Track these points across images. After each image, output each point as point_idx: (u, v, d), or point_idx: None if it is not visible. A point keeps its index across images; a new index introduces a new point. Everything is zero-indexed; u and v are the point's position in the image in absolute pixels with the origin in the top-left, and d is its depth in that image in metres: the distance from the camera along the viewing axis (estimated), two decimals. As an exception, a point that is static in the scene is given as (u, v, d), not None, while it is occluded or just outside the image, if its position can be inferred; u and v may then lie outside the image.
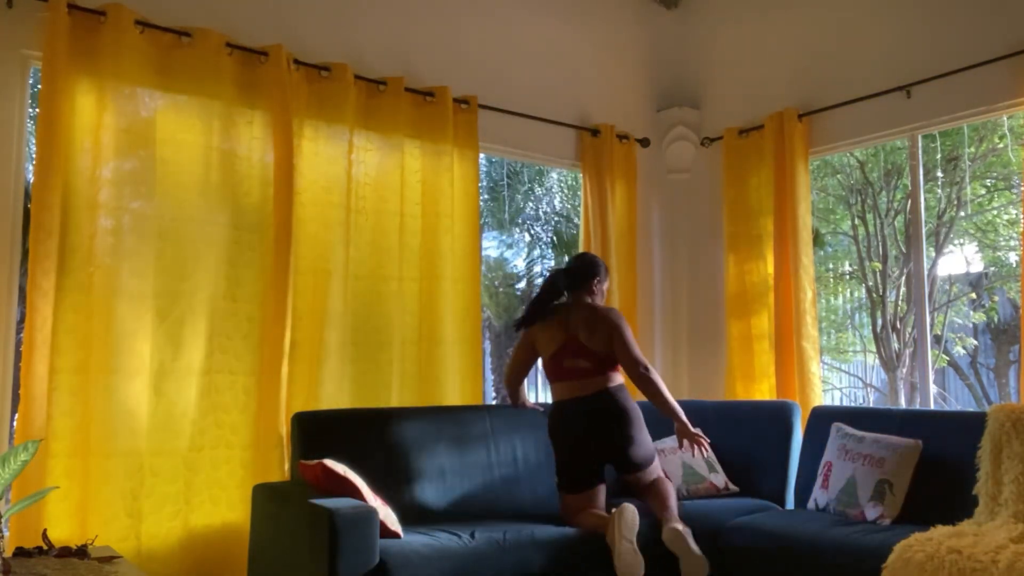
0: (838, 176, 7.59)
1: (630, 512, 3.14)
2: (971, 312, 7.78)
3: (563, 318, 3.54)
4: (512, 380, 3.85)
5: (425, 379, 3.99)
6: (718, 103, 5.09)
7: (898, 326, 7.40)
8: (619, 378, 3.53)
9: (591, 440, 3.45)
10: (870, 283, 7.65)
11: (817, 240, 7.63)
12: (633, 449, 3.43)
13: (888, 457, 3.39)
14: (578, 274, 3.63)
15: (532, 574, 3.06)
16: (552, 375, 3.58)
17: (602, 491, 3.47)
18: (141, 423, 3.24)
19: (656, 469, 3.52)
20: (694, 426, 3.51)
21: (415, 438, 3.55)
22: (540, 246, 11.09)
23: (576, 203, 10.14)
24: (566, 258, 10.78)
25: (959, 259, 7.63)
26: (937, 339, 7.36)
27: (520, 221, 10.83)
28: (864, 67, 4.33)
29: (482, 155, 4.40)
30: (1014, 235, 7.01)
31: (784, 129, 4.52)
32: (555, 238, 10.84)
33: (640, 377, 3.43)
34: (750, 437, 4.04)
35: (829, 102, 4.45)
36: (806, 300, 4.42)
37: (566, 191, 10.61)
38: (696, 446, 3.47)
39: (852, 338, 8.13)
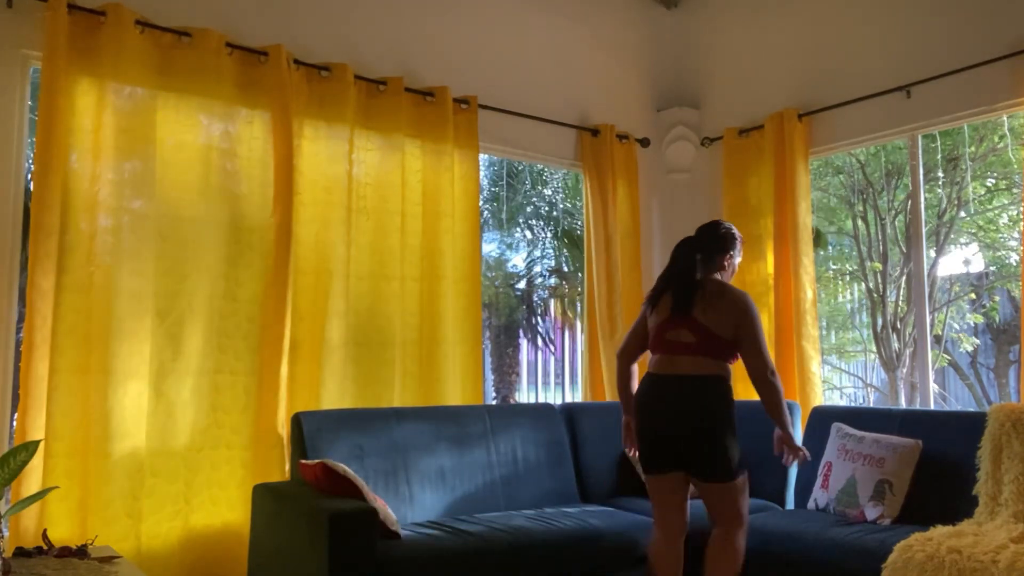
0: (839, 176, 7.58)
1: None
2: (968, 313, 7.77)
3: None
4: (623, 352, 3.32)
5: (426, 379, 3.99)
6: (718, 103, 5.09)
7: (898, 326, 7.40)
8: (728, 371, 3.09)
9: (668, 425, 3.04)
10: (870, 283, 7.65)
11: (819, 240, 7.62)
12: (711, 454, 3.00)
13: (888, 457, 3.39)
14: (707, 247, 3.22)
15: (531, 575, 3.06)
16: (652, 346, 3.18)
17: (680, 483, 3.11)
18: (141, 423, 3.24)
19: (734, 495, 3.04)
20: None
21: (415, 438, 3.56)
22: (540, 246, 11.10)
23: (578, 201, 10.14)
24: (566, 258, 10.84)
25: (960, 259, 7.63)
26: (937, 339, 7.35)
27: (520, 220, 10.83)
28: (864, 67, 4.33)
29: (482, 154, 4.41)
30: (1015, 235, 7.01)
31: (784, 129, 4.52)
32: (556, 236, 10.84)
33: (766, 381, 3.04)
34: (750, 437, 4.02)
35: (829, 102, 4.45)
36: (806, 300, 4.42)
37: (567, 191, 10.61)
38: (794, 456, 3.17)
39: (856, 336, 8.12)
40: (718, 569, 3.02)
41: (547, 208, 10.76)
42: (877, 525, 3.26)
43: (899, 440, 3.43)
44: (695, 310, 3.07)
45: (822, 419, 3.91)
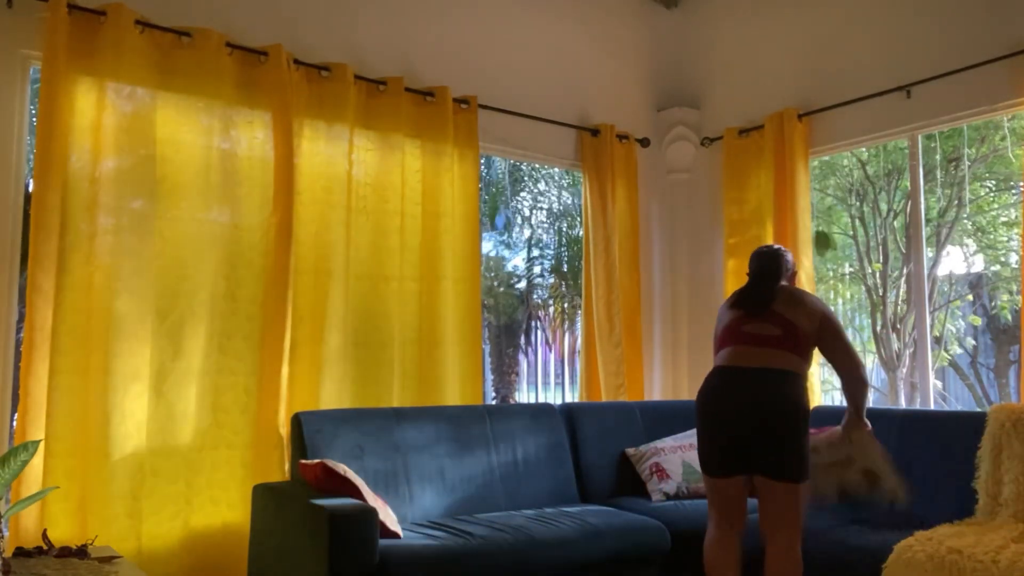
0: (850, 172, 7.57)
1: None
2: (966, 316, 7.76)
3: None
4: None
5: (425, 379, 3.99)
6: (718, 103, 5.09)
7: (898, 326, 7.40)
8: (805, 371, 2.95)
9: (744, 421, 2.83)
10: (870, 283, 7.65)
11: (828, 242, 7.61)
12: (788, 450, 2.80)
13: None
14: (781, 262, 3.17)
15: (531, 575, 3.06)
16: (724, 341, 3.05)
17: (745, 484, 2.92)
18: (141, 423, 3.24)
19: (799, 498, 2.83)
20: None
21: (415, 438, 3.56)
22: (539, 247, 11.10)
23: (577, 201, 10.14)
24: (566, 259, 10.83)
25: (960, 260, 7.63)
26: (937, 339, 7.35)
27: (519, 220, 10.84)
28: (864, 67, 4.33)
29: (482, 155, 4.41)
30: (1015, 236, 7.01)
31: (784, 129, 4.52)
32: (556, 237, 10.85)
33: (858, 380, 3.04)
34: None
35: (829, 102, 4.45)
36: (806, 300, 4.41)
37: (566, 192, 10.62)
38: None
39: (854, 339, 8.12)
40: None
41: (545, 207, 10.77)
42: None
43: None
44: (776, 304, 2.98)
45: (822, 420, 3.90)
